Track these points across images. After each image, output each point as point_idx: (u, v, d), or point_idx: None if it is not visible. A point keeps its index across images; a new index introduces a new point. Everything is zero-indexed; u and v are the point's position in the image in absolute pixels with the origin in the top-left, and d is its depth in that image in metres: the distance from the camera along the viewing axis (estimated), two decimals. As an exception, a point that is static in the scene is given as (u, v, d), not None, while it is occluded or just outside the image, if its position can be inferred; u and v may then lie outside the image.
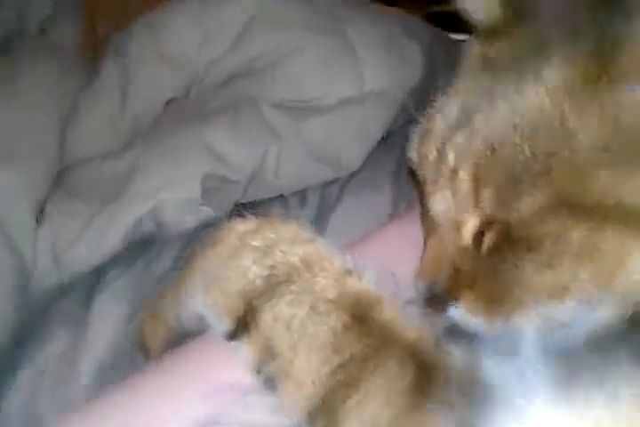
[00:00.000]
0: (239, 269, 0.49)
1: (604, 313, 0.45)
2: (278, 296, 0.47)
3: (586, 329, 0.47)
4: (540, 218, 0.44)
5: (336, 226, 0.80)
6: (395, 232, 0.63)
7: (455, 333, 0.53)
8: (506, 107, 0.46)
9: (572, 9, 0.48)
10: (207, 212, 0.72)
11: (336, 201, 0.84)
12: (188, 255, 0.56)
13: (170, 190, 0.70)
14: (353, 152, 0.83)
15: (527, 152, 0.44)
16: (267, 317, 0.47)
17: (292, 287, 0.47)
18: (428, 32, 0.97)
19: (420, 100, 0.58)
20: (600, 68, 0.43)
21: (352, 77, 0.81)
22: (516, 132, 0.45)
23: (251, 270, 0.49)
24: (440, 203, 0.51)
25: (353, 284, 0.48)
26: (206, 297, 0.50)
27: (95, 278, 0.74)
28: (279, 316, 0.46)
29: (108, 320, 0.69)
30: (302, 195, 0.85)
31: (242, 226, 0.52)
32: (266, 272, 0.48)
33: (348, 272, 0.48)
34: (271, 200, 0.84)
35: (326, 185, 0.85)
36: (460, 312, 0.51)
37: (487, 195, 0.46)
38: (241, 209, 0.79)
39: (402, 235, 0.62)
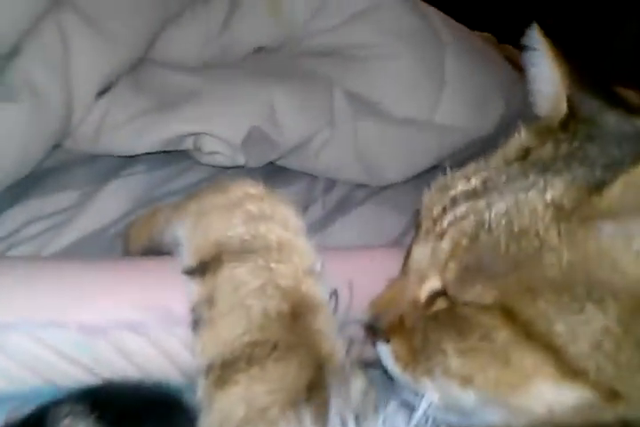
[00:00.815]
0: (227, 223, 0.54)
1: (496, 417, 0.50)
2: (243, 261, 0.52)
3: (477, 422, 0.52)
4: (478, 310, 0.48)
5: (343, 226, 0.85)
6: (382, 257, 0.67)
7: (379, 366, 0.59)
8: (511, 203, 0.49)
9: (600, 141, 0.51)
10: (240, 159, 0.78)
11: (357, 204, 0.89)
12: (198, 189, 0.61)
13: (216, 124, 0.74)
14: (393, 168, 0.87)
15: (502, 250, 0.47)
16: (225, 273, 0.52)
17: (259, 261, 0.52)
18: (511, 77, 0.98)
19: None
20: (581, 203, 0.46)
21: (429, 103, 0.84)
22: (505, 230, 0.48)
23: (235, 229, 0.54)
24: (419, 253, 0.55)
25: (308, 284, 0.52)
26: (189, 231, 0.56)
27: (120, 165, 0.80)
28: (235, 277, 0.52)
29: (110, 205, 0.76)
30: (332, 184, 0.91)
31: (252, 189, 0.57)
32: (246, 237, 0.53)
33: (310, 273, 0.53)
34: (304, 175, 0.90)
35: (356, 186, 0.90)
36: (385, 352, 0.56)
37: (452, 268, 0.50)
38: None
39: (386, 263, 0.65)
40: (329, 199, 0.85)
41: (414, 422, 0.52)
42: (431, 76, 0.88)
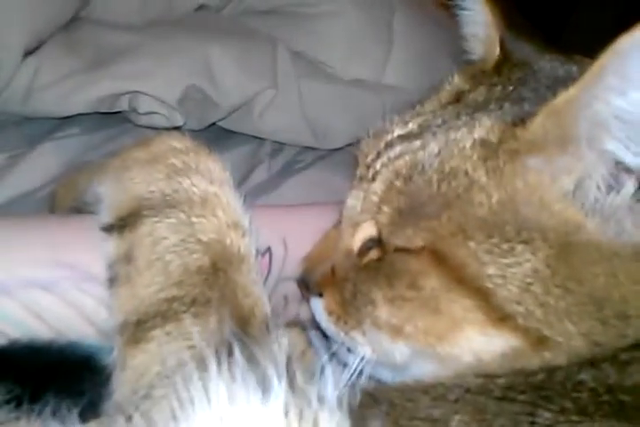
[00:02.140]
0: (148, 178, 0.52)
1: (426, 369, 0.49)
2: (164, 216, 0.50)
3: (408, 375, 0.50)
4: (408, 255, 0.47)
5: (289, 190, 0.82)
6: (318, 214, 0.65)
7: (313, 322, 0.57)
8: (442, 143, 0.48)
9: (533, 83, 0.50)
10: (177, 119, 0.74)
11: (303, 168, 0.86)
12: (121, 147, 0.58)
13: (150, 82, 0.71)
14: (341, 132, 0.85)
15: (434, 191, 0.46)
16: (145, 228, 0.50)
17: (180, 215, 0.50)
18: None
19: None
20: (506, 137, 0.45)
21: (376, 65, 0.82)
22: (437, 170, 0.47)
23: (157, 184, 0.51)
24: (353, 199, 0.53)
25: (232, 238, 0.50)
26: (109, 186, 0.53)
27: (53, 127, 0.77)
28: (154, 232, 0.49)
29: (40, 167, 0.72)
30: (279, 147, 0.88)
31: (177, 142, 0.55)
32: (167, 191, 0.51)
33: (236, 226, 0.51)
34: (250, 138, 0.87)
35: (304, 149, 0.87)
36: (318, 306, 0.54)
37: (386, 212, 0.48)
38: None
39: (322, 220, 0.63)
40: (275, 163, 0.83)
41: (347, 377, 0.51)
42: (379, 36, 0.86)
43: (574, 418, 0.38)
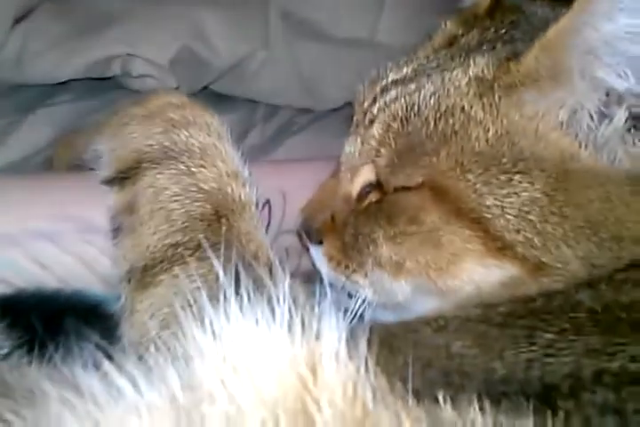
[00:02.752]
0: (146, 132, 0.52)
1: (427, 306, 0.50)
2: (164, 168, 0.51)
3: (410, 315, 0.51)
4: (407, 193, 0.48)
5: (285, 152, 0.81)
6: (317, 168, 0.64)
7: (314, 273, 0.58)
8: (438, 84, 0.49)
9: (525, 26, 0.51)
10: (170, 82, 0.74)
11: (299, 130, 0.85)
12: (118, 106, 0.59)
13: (142, 45, 0.71)
14: (338, 92, 0.84)
15: (431, 129, 0.47)
16: (146, 180, 0.50)
17: (180, 166, 0.51)
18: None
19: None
20: (501, 72, 0.46)
21: (369, 22, 0.82)
22: (433, 109, 0.48)
23: (155, 137, 0.52)
24: (350, 145, 0.54)
25: (232, 186, 0.51)
26: (108, 142, 0.54)
27: (46, 94, 0.77)
28: (156, 183, 0.50)
29: (35, 133, 0.72)
30: (274, 110, 0.87)
31: (172, 98, 0.56)
32: (166, 143, 0.52)
33: (235, 175, 0.52)
34: (244, 101, 0.87)
35: (299, 112, 0.87)
36: (318, 253, 0.55)
37: (384, 154, 0.49)
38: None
39: (320, 174, 0.63)
40: (269, 126, 0.83)
41: (348, 319, 0.52)
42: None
43: (572, 337, 0.39)
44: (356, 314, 0.53)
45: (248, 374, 0.28)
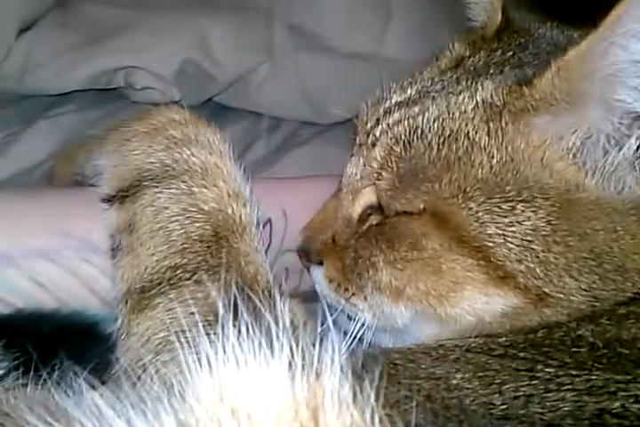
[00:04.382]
0: (148, 149, 0.52)
1: (426, 332, 0.49)
2: (165, 187, 0.50)
3: (409, 339, 0.51)
4: (409, 218, 0.47)
5: (288, 165, 0.81)
6: (318, 186, 0.64)
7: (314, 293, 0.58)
8: (443, 107, 0.48)
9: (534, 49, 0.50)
10: (174, 94, 0.74)
11: (302, 143, 0.85)
12: (119, 120, 0.58)
13: (146, 56, 0.71)
14: (342, 105, 0.84)
15: (434, 154, 0.46)
16: (146, 198, 0.50)
17: (181, 185, 0.50)
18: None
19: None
20: (512, 97, 0.45)
21: (375, 36, 0.81)
22: (437, 134, 0.47)
23: (156, 155, 0.52)
24: (352, 167, 0.53)
25: (233, 207, 0.50)
26: (109, 159, 0.53)
27: (49, 105, 0.77)
28: (156, 202, 0.50)
29: (37, 145, 0.72)
30: (277, 123, 0.87)
31: (175, 114, 0.55)
32: (168, 162, 0.51)
33: (236, 195, 0.51)
34: (248, 114, 0.87)
35: (302, 124, 0.87)
36: (319, 274, 0.55)
37: (386, 177, 0.49)
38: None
39: (322, 191, 0.62)
40: (273, 139, 0.83)
41: (347, 342, 0.51)
42: (377, 6, 0.84)
43: (573, 372, 0.39)
44: (355, 337, 0.54)
45: (247, 419, 0.27)
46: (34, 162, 0.70)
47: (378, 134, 0.51)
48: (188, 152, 0.52)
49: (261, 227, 0.60)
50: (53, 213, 0.52)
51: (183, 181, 0.51)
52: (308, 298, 0.61)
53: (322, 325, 0.59)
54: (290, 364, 0.34)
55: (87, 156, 0.57)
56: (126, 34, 0.73)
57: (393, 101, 0.52)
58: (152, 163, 0.52)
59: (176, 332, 0.45)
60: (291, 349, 0.34)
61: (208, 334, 0.40)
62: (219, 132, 0.55)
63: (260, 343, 0.34)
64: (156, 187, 0.50)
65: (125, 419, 0.29)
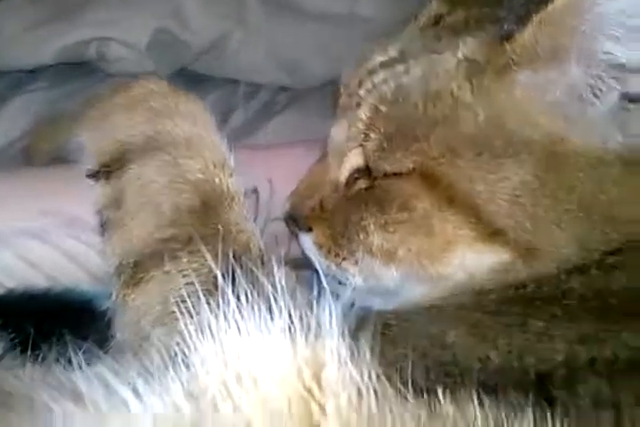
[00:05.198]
0: (129, 122, 0.51)
1: (417, 292, 0.50)
2: (149, 159, 0.49)
3: (399, 300, 0.51)
4: (398, 180, 0.47)
5: (267, 132, 0.80)
6: (301, 152, 0.64)
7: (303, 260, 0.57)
8: (426, 66, 0.48)
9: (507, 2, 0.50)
10: (148, 64, 0.73)
11: (280, 110, 0.84)
12: (95, 93, 0.57)
13: (118, 27, 0.70)
14: (316, 68, 0.83)
15: (420, 113, 0.46)
16: (131, 172, 0.49)
17: (166, 157, 0.49)
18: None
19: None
20: (494, 53, 0.45)
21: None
22: (422, 92, 0.47)
23: (138, 127, 0.51)
24: (337, 130, 0.53)
25: (220, 176, 0.50)
26: (90, 134, 0.52)
27: (20, 82, 0.75)
28: (142, 176, 0.49)
29: (13, 121, 0.71)
30: (254, 89, 0.86)
31: (153, 85, 0.54)
32: (150, 134, 0.50)
33: (222, 165, 0.50)
34: (224, 82, 0.85)
35: (280, 90, 0.86)
36: (308, 241, 0.55)
37: (373, 138, 0.48)
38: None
39: (305, 158, 0.61)
40: (250, 106, 0.82)
41: (339, 309, 0.51)
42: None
43: (564, 324, 0.40)
44: (346, 301, 0.54)
45: (252, 383, 0.28)
46: (9, 139, 0.68)
47: (363, 95, 0.50)
48: (171, 123, 0.51)
49: (248, 196, 0.60)
50: (39, 192, 0.51)
51: (168, 153, 0.50)
52: (298, 265, 0.62)
53: (314, 290, 0.60)
54: (289, 327, 0.34)
55: (67, 132, 0.56)
56: (97, 5, 0.71)
57: (376, 62, 0.52)
58: (134, 136, 0.51)
59: (175, 302, 0.45)
60: (289, 312, 0.35)
61: (208, 303, 0.41)
62: (199, 101, 0.54)
63: (259, 308, 0.35)
64: (141, 159, 0.49)
65: (132, 388, 0.29)
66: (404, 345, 0.40)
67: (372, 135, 0.49)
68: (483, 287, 0.46)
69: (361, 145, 0.50)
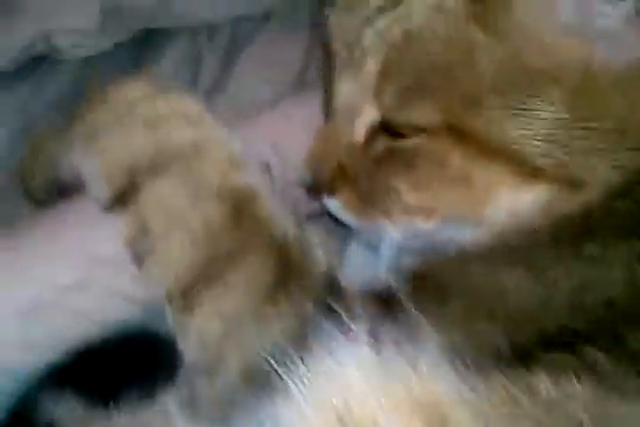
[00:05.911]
0: (123, 141, 0.47)
1: (465, 236, 0.49)
2: (162, 176, 0.46)
3: (445, 245, 0.49)
4: (423, 137, 0.45)
5: (244, 68, 0.76)
6: (294, 109, 0.61)
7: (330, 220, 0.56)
8: (431, 2, 0.44)
9: None
10: (104, 43, 0.68)
11: (247, 41, 0.78)
12: (80, 107, 0.52)
13: (62, 17, 0.65)
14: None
15: (434, 61, 0.44)
16: (147, 196, 0.46)
17: (177, 170, 0.46)
18: None
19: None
20: None
21: None
22: (430, 37, 0.44)
23: (136, 145, 0.47)
24: (344, 86, 0.50)
25: (236, 175, 0.47)
26: (84, 161, 0.49)
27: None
28: (159, 196, 0.46)
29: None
30: (212, 30, 0.80)
31: (135, 91, 0.50)
32: (151, 151, 0.47)
33: (232, 162, 0.48)
34: (179, 32, 0.78)
35: (238, 21, 0.79)
36: (334, 205, 0.53)
37: (388, 90, 0.46)
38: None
39: (301, 113, 0.59)
40: (216, 46, 0.77)
41: (384, 262, 0.51)
42: None
43: (619, 244, 0.40)
44: (387, 256, 0.53)
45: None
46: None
47: (367, 44, 0.47)
48: (168, 131, 0.47)
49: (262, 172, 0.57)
50: (73, 243, 0.49)
51: (177, 164, 0.46)
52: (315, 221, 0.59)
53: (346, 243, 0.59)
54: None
55: (56, 156, 0.53)
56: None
57: (371, 7, 0.47)
58: (135, 156, 0.47)
59: (232, 321, 0.43)
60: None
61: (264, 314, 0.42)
62: (187, 94, 0.51)
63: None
64: (152, 180, 0.46)
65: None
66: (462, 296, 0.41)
67: (388, 87, 0.46)
68: (528, 226, 0.45)
69: (375, 97, 0.47)
